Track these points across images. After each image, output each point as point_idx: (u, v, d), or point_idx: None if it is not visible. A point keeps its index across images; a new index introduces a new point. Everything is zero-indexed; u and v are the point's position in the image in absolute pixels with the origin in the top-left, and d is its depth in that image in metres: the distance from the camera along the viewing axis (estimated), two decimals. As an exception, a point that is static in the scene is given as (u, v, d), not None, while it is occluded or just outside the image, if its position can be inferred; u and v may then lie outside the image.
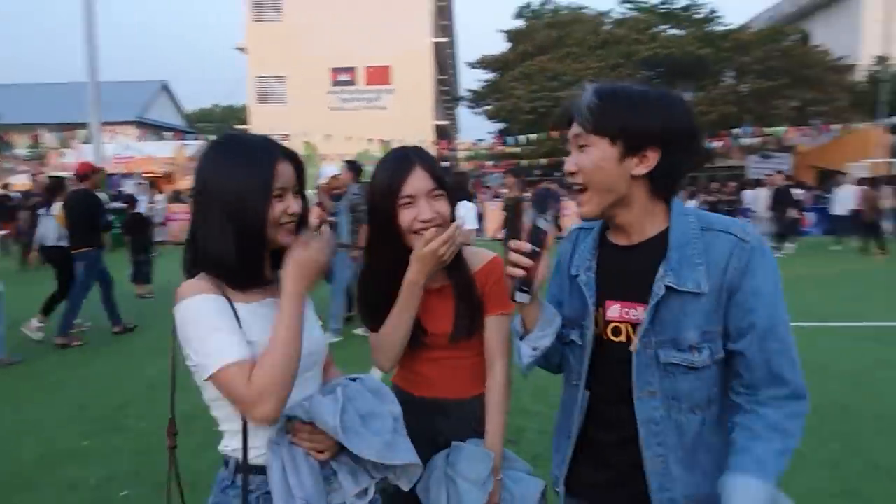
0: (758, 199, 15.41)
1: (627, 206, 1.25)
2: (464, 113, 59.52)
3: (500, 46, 32.32)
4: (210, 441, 3.23)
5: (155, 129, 30.45)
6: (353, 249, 6.51)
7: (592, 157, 1.22)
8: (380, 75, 29.48)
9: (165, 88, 40.32)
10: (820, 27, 30.53)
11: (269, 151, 1.30)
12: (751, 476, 1.14)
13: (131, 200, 10.44)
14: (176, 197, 18.27)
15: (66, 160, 19.77)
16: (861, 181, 16.18)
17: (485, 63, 32.14)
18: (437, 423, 1.54)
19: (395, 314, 1.52)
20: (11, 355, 5.81)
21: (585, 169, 1.23)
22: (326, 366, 1.49)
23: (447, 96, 40.40)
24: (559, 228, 8.76)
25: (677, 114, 1.21)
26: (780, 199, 14.08)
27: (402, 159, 1.52)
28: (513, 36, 31.84)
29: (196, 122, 46.95)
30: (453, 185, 6.61)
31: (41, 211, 7.21)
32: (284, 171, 1.29)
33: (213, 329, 1.22)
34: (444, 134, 33.39)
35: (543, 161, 24.44)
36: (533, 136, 22.87)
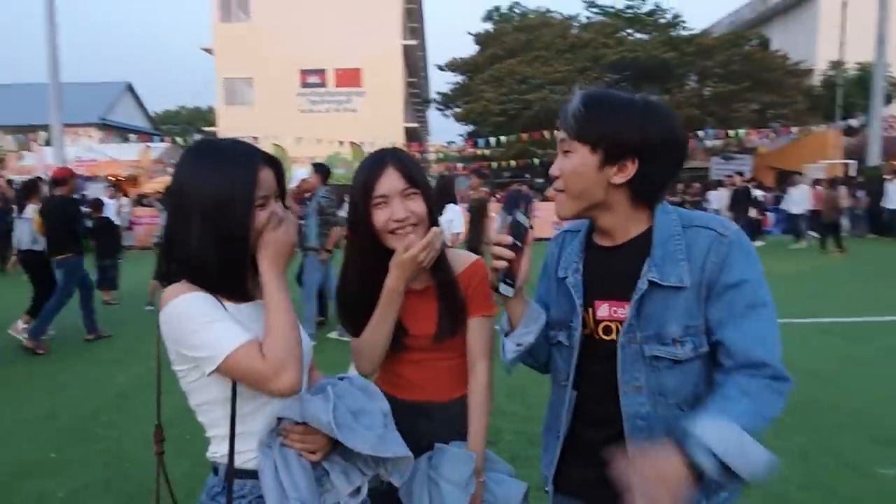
0: (720, 200, 15.87)
1: (609, 211, 1.28)
2: (434, 115, 59.69)
3: (469, 49, 32.53)
4: (184, 449, 3.22)
5: (119, 131, 29.79)
6: (321, 252, 6.48)
7: (574, 162, 1.25)
8: (350, 77, 29.34)
9: (130, 89, 39.45)
10: (779, 33, 31.48)
11: (250, 158, 1.28)
12: (715, 417, 1.10)
13: (97, 205, 10.17)
14: (139, 201, 17.89)
15: (26, 163, 19.22)
16: (817, 182, 16.80)
17: (454, 66, 32.27)
18: (421, 427, 1.54)
19: (376, 319, 1.53)
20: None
21: (565, 173, 1.26)
22: (310, 370, 1.48)
23: (417, 99, 40.41)
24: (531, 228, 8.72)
25: (659, 124, 1.22)
26: (739, 200, 14.54)
27: (377, 160, 1.53)
28: (482, 39, 32.04)
29: (161, 124, 46.10)
30: (440, 189, 6.60)
31: (15, 215, 7.02)
32: (266, 178, 1.28)
33: (210, 321, 1.20)
34: (415, 136, 33.40)
35: (513, 163, 24.67)
36: (503, 139, 23.06)
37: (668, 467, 1.06)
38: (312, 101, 29.56)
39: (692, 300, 1.21)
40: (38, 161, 18.83)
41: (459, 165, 28.72)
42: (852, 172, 20.44)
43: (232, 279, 1.27)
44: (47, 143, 17.57)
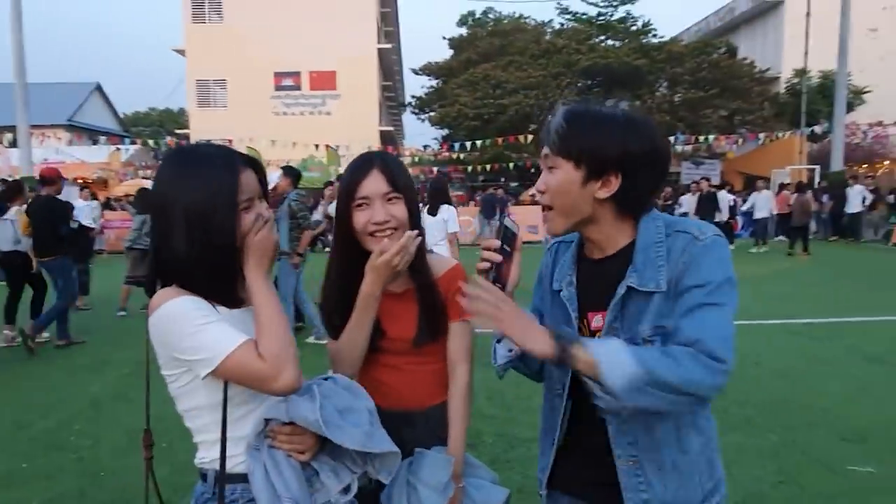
0: (690, 205, 16.23)
1: (595, 224, 1.30)
2: (409, 119, 59.66)
3: (443, 53, 32.69)
4: (162, 457, 3.14)
5: (88, 133, 29.13)
6: (293, 256, 6.45)
7: (558, 178, 1.27)
8: (325, 80, 29.19)
9: (99, 90, 38.50)
10: (745, 41, 32.23)
11: (230, 161, 1.28)
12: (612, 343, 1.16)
13: (68, 208, 9.95)
14: (108, 204, 17.52)
15: (-9, 165, 18.66)
16: (783, 186, 17.27)
17: (429, 70, 32.36)
18: (405, 435, 1.52)
19: (353, 324, 1.52)
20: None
21: (551, 190, 1.28)
22: None
23: (392, 102, 40.40)
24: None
25: (640, 138, 1.23)
26: (706, 205, 14.90)
27: (364, 162, 1.54)
28: (456, 43, 32.21)
29: (132, 126, 45.18)
30: (434, 190, 6.61)
31: None
32: (248, 180, 1.28)
33: (206, 323, 1.20)
34: (390, 140, 33.36)
35: (488, 167, 24.83)
36: (478, 143, 23.19)
37: (535, 324, 1.19)
38: (287, 103, 29.34)
39: (663, 301, 1.23)
40: (4, 163, 18.34)
41: (434, 169, 28.81)
42: (817, 178, 21.05)
43: (223, 284, 1.28)
44: (13, 145, 17.12)
